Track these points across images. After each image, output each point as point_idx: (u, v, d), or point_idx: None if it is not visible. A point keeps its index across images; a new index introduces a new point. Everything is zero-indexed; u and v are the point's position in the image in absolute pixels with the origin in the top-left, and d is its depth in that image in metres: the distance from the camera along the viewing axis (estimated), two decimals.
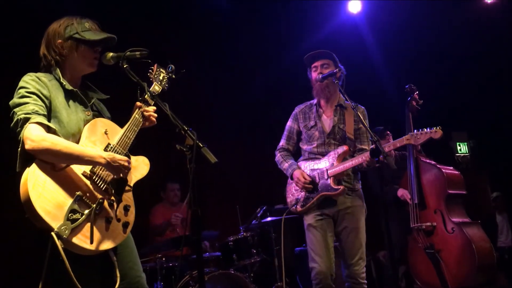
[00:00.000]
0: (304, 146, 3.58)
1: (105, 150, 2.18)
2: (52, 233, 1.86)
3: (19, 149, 2.01)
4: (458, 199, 4.22)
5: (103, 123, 2.26)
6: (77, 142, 2.14)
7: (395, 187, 4.53)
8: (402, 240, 4.34)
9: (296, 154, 3.70)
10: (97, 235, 2.01)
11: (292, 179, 3.50)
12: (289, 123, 3.68)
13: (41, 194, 1.90)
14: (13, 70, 2.81)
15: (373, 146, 3.06)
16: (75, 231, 1.94)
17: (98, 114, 2.34)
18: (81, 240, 1.95)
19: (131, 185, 2.27)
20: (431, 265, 4.02)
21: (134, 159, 2.32)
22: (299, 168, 3.50)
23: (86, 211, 2.00)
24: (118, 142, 2.23)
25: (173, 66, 2.57)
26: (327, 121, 3.51)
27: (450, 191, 4.12)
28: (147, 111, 2.36)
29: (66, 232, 1.89)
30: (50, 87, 2.16)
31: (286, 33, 6.52)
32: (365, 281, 3.28)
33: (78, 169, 2.07)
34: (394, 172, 4.66)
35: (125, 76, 2.25)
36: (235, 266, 4.31)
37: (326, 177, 3.33)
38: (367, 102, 3.67)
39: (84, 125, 2.20)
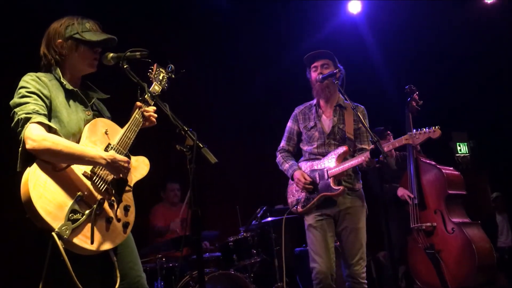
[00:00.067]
0: (305, 147, 3.59)
1: (106, 150, 2.18)
2: (53, 233, 1.86)
3: (19, 148, 2.01)
4: (458, 200, 4.22)
5: (104, 123, 2.26)
6: (78, 142, 2.14)
7: (395, 186, 4.53)
8: (402, 240, 4.34)
9: (297, 154, 3.70)
10: (97, 235, 2.01)
11: (292, 179, 3.50)
12: (289, 124, 3.69)
13: (42, 195, 1.89)
14: (13, 70, 2.81)
15: (372, 146, 3.06)
16: (75, 231, 1.94)
17: (98, 113, 2.34)
18: (82, 240, 1.95)
19: (131, 185, 2.27)
20: (431, 265, 4.02)
21: (134, 159, 2.32)
22: (300, 168, 3.50)
23: (87, 211, 2.00)
24: (119, 142, 2.23)
25: (172, 66, 2.57)
26: (327, 121, 3.51)
27: (450, 192, 4.12)
28: (147, 111, 2.36)
29: (67, 232, 1.89)
30: (50, 87, 2.16)
31: (286, 33, 6.52)
32: (366, 281, 3.29)
33: (79, 169, 2.07)
34: (394, 172, 4.67)
35: (125, 76, 2.25)
36: (235, 267, 4.31)
37: (326, 177, 3.33)
38: (367, 102, 3.66)
39: (85, 124, 2.20)
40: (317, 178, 3.38)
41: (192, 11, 5.92)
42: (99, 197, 2.07)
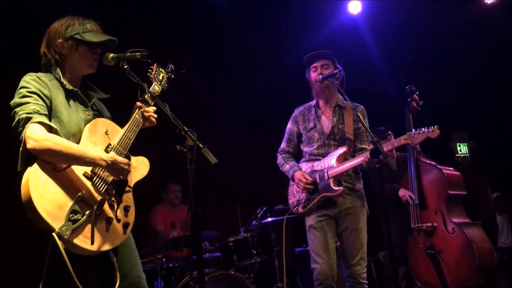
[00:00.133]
0: (305, 148, 3.59)
1: (106, 150, 2.18)
2: (54, 234, 1.85)
3: (20, 148, 2.01)
4: (458, 200, 4.22)
5: (104, 123, 2.26)
6: (78, 142, 2.14)
7: (396, 186, 4.53)
8: (402, 240, 4.34)
9: (297, 156, 3.71)
10: (97, 235, 2.01)
11: (293, 180, 3.50)
12: (289, 125, 3.69)
13: (42, 195, 1.89)
14: (13, 70, 2.81)
15: (371, 146, 3.06)
16: (76, 231, 1.93)
17: (98, 113, 2.34)
18: (82, 240, 1.95)
19: (131, 185, 2.27)
20: (431, 265, 4.02)
21: (134, 159, 2.32)
22: (300, 169, 3.50)
23: (87, 212, 2.00)
24: (119, 142, 2.23)
25: (172, 66, 2.57)
26: (326, 122, 3.51)
27: (450, 192, 4.12)
28: (147, 112, 2.36)
29: (67, 232, 1.89)
30: (50, 87, 2.16)
31: (286, 33, 6.51)
32: (366, 281, 3.29)
33: (79, 170, 2.07)
34: (394, 173, 4.67)
35: (125, 76, 2.25)
36: (235, 267, 4.31)
37: (326, 178, 3.33)
38: (367, 102, 3.66)
39: (85, 124, 2.20)
40: (318, 179, 3.38)
41: (192, 11, 5.91)
42: (99, 197, 2.07)
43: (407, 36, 6.68)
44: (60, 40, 2.22)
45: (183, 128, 2.11)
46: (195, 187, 2.04)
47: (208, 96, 6.36)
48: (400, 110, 4.50)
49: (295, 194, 3.54)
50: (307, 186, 3.37)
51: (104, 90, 2.44)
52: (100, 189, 2.10)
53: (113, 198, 2.14)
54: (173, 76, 2.58)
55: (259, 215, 4.87)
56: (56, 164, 2.00)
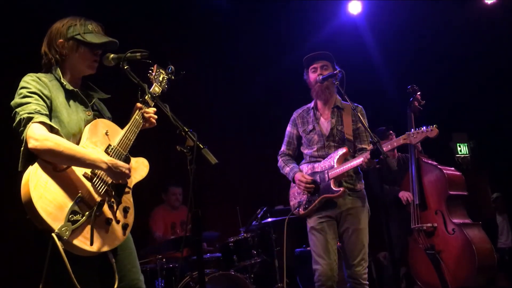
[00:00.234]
0: (305, 150, 3.59)
1: (106, 151, 2.18)
2: (53, 234, 1.85)
3: (22, 148, 2.01)
4: (459, 200, 4.21)
5: (104, 124, 2.25)
6: (78, 142, 2.14)
7: (397, 189, 4.53)
8: (402, 240, 4.34)
9: (298, 158, 3.71)
10: (97, 236, 2.01)
11: (294, 182, 3.50)
12: (288, 128, 3.70)
13: (42, 195, 1.89)
14: (13, 70, 2.81)
15: (371, 146, 3.06)
16: (75, 232, 1.93)
17: (98, 114, 2.34)
18: (81, 241, 1.95)
19: (131, 187, 2.26)
20: (432, 266, 4.02)
21: (134, 160, 2.32)
22: (301, 171, 3.50)
23: (87, 213, 2.00)
24: (119, 143, 2.23)
25: (173, 67, 2.57)
26: (325, 124, 3.51)
27: (451, 192, 4.12)
28: (147, 113, 2.36)
29: (67, 233, 1.88)
30: (50, 87, 2.16)
31: (286, 33, 6.51)
32: (367, 282, 3.29)
33: (79, 170, 2.07)
34: (395, 173, 4.66)
35: (125, 77, 2.25)
36: (235, 267, 4.31)
37: (327, 179, 3.33)
38: (367, 102, 3.66)
39: (85, 125, 2.20)
40: (318, 180, 3.38)
41: (192, 11, 5.91)
42: (98, 198, 2.07)
43: (407, 36, 6.68)
44: (61, 40, 2.23)
45: (183, 129, 2.11)
46: (195, 188, 2.03)
47: (208, 96, 6.36)
48: (401, 110, 4.50)
49: (296, 196, 3.54)
50: (308, 186, 3.36)
51: (105, 91, 2.44)
52: (100, 190, 2.09)
53: (112, 199, 2.14)
54: (173, 77, 2.58)
55: (259, 216, 4.86)
56: (56, 164, 2.00)
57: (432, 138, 3.26)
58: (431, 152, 4.62)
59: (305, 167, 3.52)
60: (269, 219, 4.81)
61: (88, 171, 2.08)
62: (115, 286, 2.10)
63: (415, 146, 4.29)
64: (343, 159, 3.37)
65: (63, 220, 1.90)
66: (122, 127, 2.31)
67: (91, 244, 1.97)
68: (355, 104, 3.42)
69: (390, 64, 6.89)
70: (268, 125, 6.35)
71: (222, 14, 6.02)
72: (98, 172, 2.10)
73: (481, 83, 7.44)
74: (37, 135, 1.97)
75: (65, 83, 2.21)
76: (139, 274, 2.29)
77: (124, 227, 2.17)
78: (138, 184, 2.32)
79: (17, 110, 2.06)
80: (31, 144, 1.96)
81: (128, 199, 2.24)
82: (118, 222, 2.14)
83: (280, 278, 4.58)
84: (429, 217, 4.15)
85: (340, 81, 3.31)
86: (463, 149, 8.27)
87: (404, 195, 4.40)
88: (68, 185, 2.00)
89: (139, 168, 2.33)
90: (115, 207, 2.14)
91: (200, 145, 2.06)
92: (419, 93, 4.30)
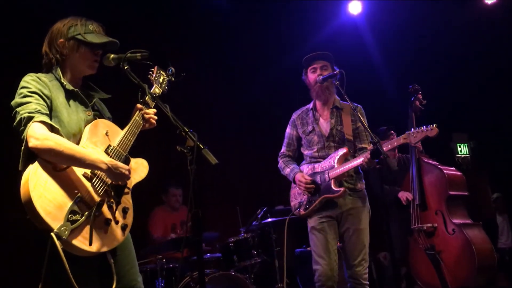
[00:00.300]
0: (305, 151, 3.59)
1: (106, 151, 2.18)
2: (52, 234, 1.85)
3: (22, 147, 2.01)
4: (459, 200, 4.21)
5: (105, 124, 2.26)
6: (78, 142, 2.14)
7: (397, 189, 4.52)
8: (403, 241, 4.33)
9: (298, 159, 3.71)
10: (96, 236, 2.00)
11: (294, 183, 3.50)
12: (288, 130, 3.70)
13: (42, 194, 1.89)
14: (13, 70, 2.80)
15: (371, 146, 3.06)
16: (74, 232, 1.93)
17: (99, 114, 2.34)
18: (80, 241, 1.95)
19: (130, 187, 2.27)
20: (432, 266, 4.01)
21: (134, 161, 2.32)
22: (301, 171, 3.50)
23: (86, 213, 2.00)
24: (119, 144, 2.23)
25: (173, 68, 2.57)
26: (324, 124, 3.51)
27: (451, 192, 4.11)
28: (147, 113, 2.37)
29: (66, 233, 1.88)
30: (50, 87, 2.16)
31: (286, 33, 6.51)
32: (367, 282, 3.29)
33: (79, 170, 2.07)
34: (395, 174, 4.66)
35: (125, 77, 2.24)
36: (235, 267, 4.31)
37: (327, 179, 3.33)
38: (367, 102, 3.66)
39: (85, 125, 2.20)
40: (319, 180, 3.38)
41: (192, 11, 5.91)
42: (98, 198, 2.07)
43: (407, 36, 6.68)
44: (61, 40, 2.23)
45: (183, 129, 2.11)
46: (196, 188, 2.03)
47: (208, 96, 6.35)
48: (401, 109, 4.49)
49: (296, 197, 3.54)
50: (308, 186, 3.37)
51: (105, 91, 2.44)
52: (99, 190, 2.09)
53: (112, 200, 2.14)
54: (173, 79, 2.59)
55: (259, 216, 4.86)
56: (56, 164, 2.00)
57: (432, 137, 3.26)
58: (432, 152, 4.61)
59: (306, 168, 3.52)
60: (269, 219, 4.81)
61: (88, 171, 2.08)
62: (113, 286, 2.09)
63: (415, 146, 4.29)
64: (344, 159, 3.37)
65: (62, 219, 1.90)
66: (122, 127, 2.31)
67: (90, 244, 1.97)
68: (356, 104, 3.42)
69: (390, 64, 6.89)
70: (268, 125, 6.34)
71: (222, 14, 6.02)
72: (98, 172, 2.10)
73: (481, 83, 7.45)
74: (37, 134, 1.97)
75: (65, 83, 2.21)
76: (137, 275, 2.29)
77: (123, 227, 2.17)
78: (138, 185, 2.32)
79: (17, 109, 2.06)
80: (32, 143, 1.96)
81: (127, 200, 2.24)
82: (117, 222, 2.14)
83: (280, 278, 4.58)
84: (429, 217, 4.15)
85: (340, 81, 3.31)
86: (463, 149, 8.27)
87: (403, 195, 4.40)
88: (68, 185, 2.00)
89: (139, 169, 2.33)
90: (114, 208, 2.14)
91: (200, 145, 2.06)
92: (420, 92, 4.29)
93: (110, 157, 2.15)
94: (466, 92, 7.43)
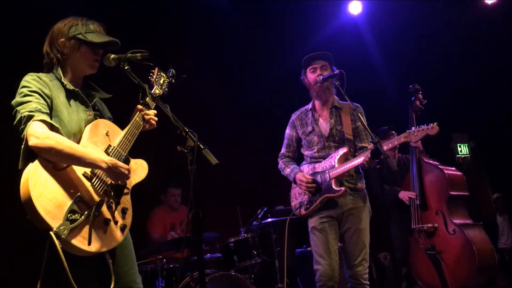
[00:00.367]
0: (305, 152, 3.59)
1: (106, 151, 2.18)
2: (51, 233, 1.84)
3: (22, 146, 2.01)
4: (460, 201, 4.21)
5: (105, 124, 2.26)
6: (78, 141, 2.14)
7: (397, 189, 4.52)
8: (403, 241, 4.33)
9: (298, 160, 3.70)
10: (95, 236, 2.00)
11: (295, 183, 3.50)
12: (287, 131, 3.70)
13: (41, 193, 1.89)
14: (13, 70, 2.80)
15: (371, 146, 3.06)
16: (73, 231, 1.92)
17: (99, 114, 2.34)
18: (79, 241, 1.94)
19: (130, 188, 2.26)
20: (432, 266, 4.01)
21: (133, 162, 2.32)
22: (301, 171, 3.50)
23: (85, 212, 1.99)
24: (119, 144, 2.23)
25: (173, 70, 2.57)
26: (324, 124, 3.51)
27: (451, 193, 4.11)
28: (147, 114, 2.37)
29: (65, 232, 1.88)
30: (51, 86, 2.16)
31: (286, 33, 6.51)
32: (368, 282, 3.28)
33: (79, 170, 2.07)
34: (395, 174, 4.66)
35: (125, 77, 2.24)
36: (235, 268, 4.31)
37: (328, 179, 3.33)
38: (367, 102, 3.66)
39: (85, 125, 2.20)
40: (319, 180, 3.38)
41: (192, 11, 5.91)
42: (97, 198, 2.07)
43: (407, 36, 6.67)
44: (62, 40, 2.23)
45: (183, 129, 2.10)
46: (196, 188, 2.03)
47: (208, 96, 6.35)
48: (401, 109, 4.49)
49: (297, 197, 3.53)
50: (309, 186, 3.36)
51: (106, 91, 2.43)
52: (99, 190, 2.09)
53: (111, 200, 2.13)
54: (174, 80, 2.59)
55: (259, 216, 4.86)
56: (56, 163, 2.00)
57: (433, 135, 3.25)
58: (432, 152, 4.61)
59: (306, 168, 3.52)
60: (270, 220, 4.81)
61: (88, 170, 2.08)
62: (111, 287, 2.09)
63: (416, 146, 4.29)
64: (344, 158, 3.36)
65: (61, 219, 1.90)
66: (122, 127, 2.31)
67: (89, 244, 1.97)
68: (355, 104, 3.42)
69: (390, 64, 6.89)
70: (268, 125, 6.34)
71: (222, 14, 6.01)
72: (98, 172, 2.10)
73: (481, 83, 7.44)
74: (38, 133, 1.97)
75: (65, 82, 2.21)
76: (136, 276, 2.29)
77: (122, 228, 2.16)
78: (138, 185, 2.32)
79: (17, 108, 2.06)
80: (32, 141, 1.96)
81: (126, 200, 2.24)
82: (116, 223, 2.14)
83: (280, 279, 4.57)
84: (429, 218, 4.14)
85: (340, 81, 3.31)
86: (463, 150, 8.27)
87: (405, 194, 4.39)
88: (68, 184, 2.00)
89: (138, 169, 2.33)
90: (113, 208, 2.14)
91: (201, 145, 2.06)
92: (420, 92, 4.29)
93: (110, 157, 2.15)
94: (466, 92, 7.42)
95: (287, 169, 3.58)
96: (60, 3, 4.26)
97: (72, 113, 2.18)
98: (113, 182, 2.14)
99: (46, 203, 1.88)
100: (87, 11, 2.43)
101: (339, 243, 3.44)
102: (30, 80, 2.13)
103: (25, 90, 2.09)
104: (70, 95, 2.22)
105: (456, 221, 4.05)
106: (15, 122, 2.06)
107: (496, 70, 7.29)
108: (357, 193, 3.39)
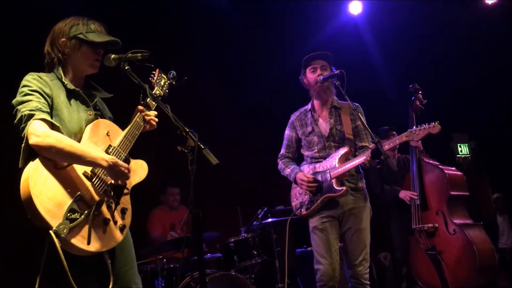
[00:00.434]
0: (306, 152, 3.58)
1: (107, 151, 2.18)
2: (51, 232, 1.84)
3: (22, 144, 2.01)
4: (460, 201, 4.21)
5: (106, 124, 2.26)
6: (79, 141, 2.14)
7: (397, 189, 4.52)
8: (403, 241, 4.33)
9: (298, 160, 3.70)
10: (94, 236, 2.00)
11: (296, 183, 3.49)
12: (287, 131, 3.69)
13: (42, 192, 1.89)
14: (13, 70, 2.80)
15: (373, 146, 3.05)
16: (73, 231, 1.92)
17: (100, 114, 2.34)
18: (79, 240, 1.94)
19: (129, 188, 2.26)
20: (433, 266, 4.01)
21: (133, 162, 2.32)
22: (302, 171, 3.50)
23: (85, 212, 1.99)
24: (119, 144, 2.23)
25: (174, 72, 2.58)
26: (324, 124, 3.50)
27: (452, 193, 4.11)
28: (148, 115, 2.37)
29: (65, 231, 1.88)
30: (51, 86, 2.16)
31: (286, 33, 6.51)
32: (368, 282, 3.28)
33: (79, 169, 2.07)
34: (395, 174, 4.65)
35: (126, 77, 2.24)
36: (236, 268, 4.30)
37: (328, 179, 3.33)
38: (367, 102, 3.65)
39: (86, 124, 2.20)
40: (320, 180, 3.37)
41: (192, 11, 5.91)
42: (97, 198, 2.06)
43: (407, 36, 6.67)
44: (63, 39, 2.24)
45: (184, 129, 2.10)
46: (196, 188, 2.03)
47: (208, 96, 6.35)
48: (401, 109, 4.49)
49: (298, 197, 3.53)
50: (310, 185, 3.36)
51: (107, 91, 2.43)
52: (99, 190, 2.09)
53: (111, 200, 2.13)
54: (174, 82, 2.60)
55: (260, 216, 4.86)
56: (57, 162, 2.00)
57: (435, 134, 3.24)
58: (432, 152, 4.61)
59: (306, 168, 3.52)
60: (270, 220, 4.81)
61: (88, 170, 2.08)
62: (110, 287, 2.09)
63: (416, 146, 4.28)
64: (345, 158, 3.36)
65: (61, 218, 1.90)
66: (123, 127, 2.31)
67: (88, 243, 1.97)
68: (355, 104, 3.41)
69: (390, 64, 6.89)
70: (268, 125, 6.34)
71: (222, 14, 6.01)
72: (98, 171, 2.10)
73: (481, 83, 7.44)
74: (38, 132, 1.97)
75: (66, 82, 2.21)
76: (136, 276, 2.29)
77: (121, 228, 2.16)
78: (138, 186, 2.32)
79: (18, 107, 2.06)
80: (32, 140, 1.96)
81: (126, 201, 2.24)
82: (115, 223, 2.14)
83: (280, 279, 4.57)
84: (430, 218, 4.14)
85: (340, 81, 3.30)
86: (463, 150, 8.26)
87: (405, 194, 4.38)
88: (68, 183, 1.99)
89: (138, 170, 2.33)
90: (113, 208, 2.14)
91: (201, 145, 2.06)
92: (420, 92, 4.29)
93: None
94: (466, 92, 7.42)
95: (287, 169, 3.58)
96: (60, 3, 4.26)
97: (73, 112, 2.18)
98: (113, 181, 2.14)
99: (46, 201, 1.88)
100: (87, 11, 2.44)
101: (340, 243, 3.44)
102: (31, 80, 2.13)
103: (25, 89, 2.09)
104: (70, 94, 2.22)
105: (457, 221, 4.05)
106: (15, 121, 2.06)
107: (496, 70, 7.29)
108: (358, 192, 3.39)
